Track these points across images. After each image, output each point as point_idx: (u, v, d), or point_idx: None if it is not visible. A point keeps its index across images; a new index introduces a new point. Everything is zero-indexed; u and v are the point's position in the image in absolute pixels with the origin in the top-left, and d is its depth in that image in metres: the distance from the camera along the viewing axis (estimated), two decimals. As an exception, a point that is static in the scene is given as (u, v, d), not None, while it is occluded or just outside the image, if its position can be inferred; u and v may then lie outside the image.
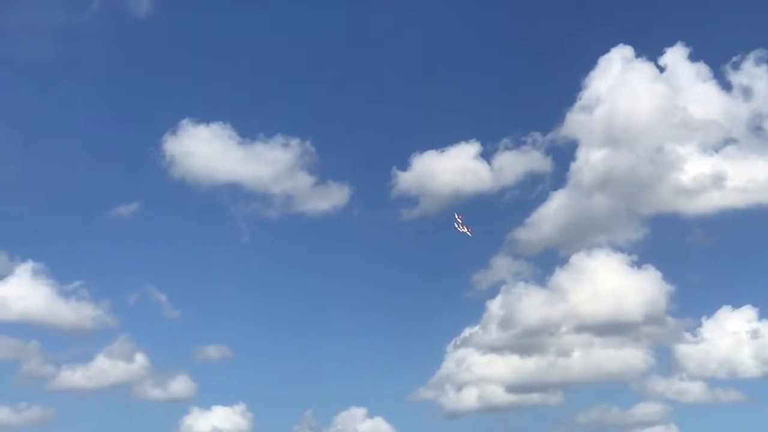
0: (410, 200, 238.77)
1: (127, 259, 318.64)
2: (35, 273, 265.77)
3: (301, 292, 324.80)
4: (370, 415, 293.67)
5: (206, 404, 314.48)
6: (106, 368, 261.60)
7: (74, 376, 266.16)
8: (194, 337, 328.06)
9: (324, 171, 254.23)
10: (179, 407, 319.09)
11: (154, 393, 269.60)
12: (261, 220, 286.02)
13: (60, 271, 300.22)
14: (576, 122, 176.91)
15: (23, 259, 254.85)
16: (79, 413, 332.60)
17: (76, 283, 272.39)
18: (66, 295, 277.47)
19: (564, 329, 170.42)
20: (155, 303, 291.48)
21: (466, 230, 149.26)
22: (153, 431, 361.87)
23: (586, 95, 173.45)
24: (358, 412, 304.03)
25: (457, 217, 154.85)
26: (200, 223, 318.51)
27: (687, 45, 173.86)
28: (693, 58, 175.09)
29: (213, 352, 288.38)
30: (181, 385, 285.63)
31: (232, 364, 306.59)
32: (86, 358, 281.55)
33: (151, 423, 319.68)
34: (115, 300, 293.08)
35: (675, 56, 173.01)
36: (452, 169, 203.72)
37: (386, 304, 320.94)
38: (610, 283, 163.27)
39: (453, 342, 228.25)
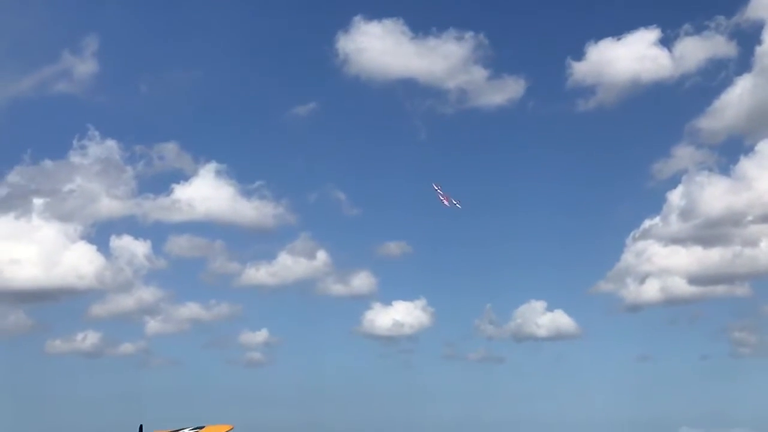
0: (586, 91, 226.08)
1: (306, 159, 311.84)
2: (218, 174, 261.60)
3: (477, 187, 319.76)
4: (550, 308, 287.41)
5: (387, 299, 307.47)
6: (288, 265, 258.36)
7: (258, 273, 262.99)
8: (374, 233, 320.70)
9: (498, 64, 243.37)
10: (361, 302, 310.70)
11: (336, 289, 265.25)
12: (436, 116, 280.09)
13: (242, 172, 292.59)
14: (762, 3, 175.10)
15: (207, 161, 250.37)
16: (264, 309, 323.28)
17: (258, 183, 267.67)
18: (248, 194, 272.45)
19: (750, 218, 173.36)
20: (335, 201, 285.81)
21: (447, 202, 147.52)
22: (335, 326, 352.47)
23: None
24: (538, 305, 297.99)
25: (435, 187, 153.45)
26: (376, 120, 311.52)
27: None
28: None
29: (393, 248, 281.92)
30: (362, 281, 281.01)
31: (412, 259, 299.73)
32: (269, 256, 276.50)
33: (333, 318, 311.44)
34: (295, 199, 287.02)
35: None
36: (630, 56, 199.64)
37: (563, 197, 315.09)
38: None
39: (632, 234, 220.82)
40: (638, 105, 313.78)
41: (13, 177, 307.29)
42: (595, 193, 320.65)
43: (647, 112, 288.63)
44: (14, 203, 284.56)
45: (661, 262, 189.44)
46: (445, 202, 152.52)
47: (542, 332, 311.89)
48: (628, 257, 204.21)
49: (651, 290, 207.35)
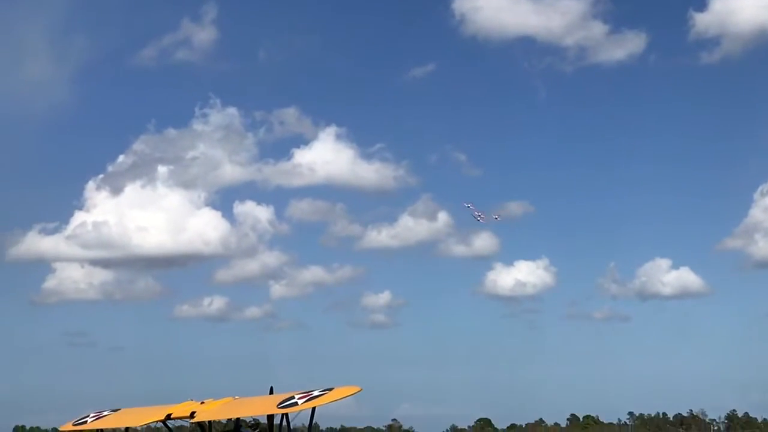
0: (710, 42, 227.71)
1: (426, 120, 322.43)
2: (338, 137, 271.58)
3: (600, 144, 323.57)
4: (675, 266, 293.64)
5: (509, 260, 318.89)
6: (410, 227, 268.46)
7: (380, 236, 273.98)
8: (496, 193, 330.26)
9: (618, 18, 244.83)
10: (483, 263, 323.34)
11: (458, 250, 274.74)
12: (555, 74, 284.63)
13: (362, 135, 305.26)
14: None
15: (327, 124, 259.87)
16: (387, 271, 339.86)
17: (378, 146, 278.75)
18: (368, 157, 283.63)
19: None
20: (455, 162, 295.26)
21: (484, 219, 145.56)
22: (458, 286, 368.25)
23: None
24: (663, 263, 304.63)
25: (468, 206, 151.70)
26: (495, 80, 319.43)
27: None
28: None
29: (515, 207, 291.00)
30: (483, 242, 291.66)
31: (534, 219, 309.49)
32: (390, 218, 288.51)
33: (456, 278, 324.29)
34: (415, 160, 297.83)
35: None
36: (756, 4, 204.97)
37: (688, 153, 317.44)
38: None
39: (760, 189, 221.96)
40: (766, 55, 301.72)
41: (138, 146, 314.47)
42: (720, 148, 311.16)
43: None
44: (140, 172, 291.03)
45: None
46: (482, 219, 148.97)
47: (668, 290, 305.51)
48: (756, 213, 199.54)
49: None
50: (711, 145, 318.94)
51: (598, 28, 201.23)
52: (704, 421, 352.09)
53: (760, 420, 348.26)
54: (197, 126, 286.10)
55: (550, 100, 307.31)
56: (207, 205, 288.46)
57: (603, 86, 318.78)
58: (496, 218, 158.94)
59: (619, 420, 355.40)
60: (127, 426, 26.24)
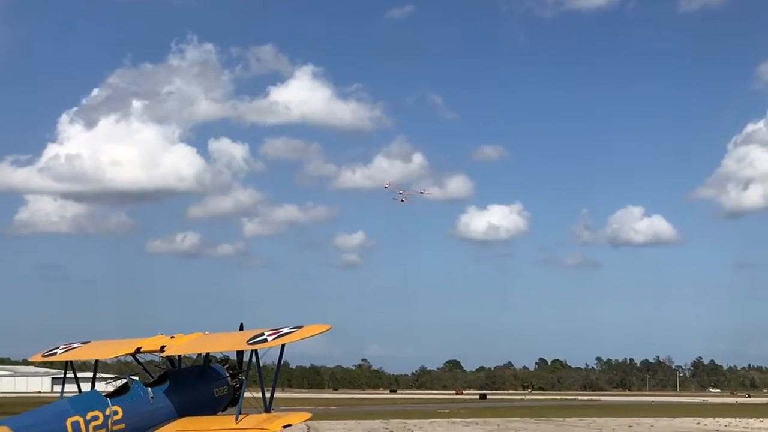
0: None
1: (403, 62, 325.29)
2: (315, 76, 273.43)
3: (576, 91, 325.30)
4: (648, 213, 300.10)
5: (483, 203, 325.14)
6: (385, 168, 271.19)
7: (354, 176, 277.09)
8: (471, 137, 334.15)
9: None
10: (456, 206, 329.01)
11: (432, 192, 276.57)
12: (535, 18, 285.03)
13: (339, 74, 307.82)
14: None
15: (304, 63, 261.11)
16: (360, 212, 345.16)
17: (355, 86, 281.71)
18: (345, 96, 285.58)
19: None
20: (431, 104, 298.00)
21: (406, 198, 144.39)
22: (432, 228, 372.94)
23: None
24: (635, 210, 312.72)
25: (387, 187, 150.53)
26: (473, 23, 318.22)
27: None
28: None
29: (490, 152, 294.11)
30: (458, 185, 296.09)
31: (509, 164, 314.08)
32: (365, 159, 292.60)
33: (429, 221, 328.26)
34: (392, 102, 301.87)
35: None
36: None
37: (662, 100, 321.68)
38: None
39: (734, 139, 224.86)
40: (744, 3, 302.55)
41: (114, 79, 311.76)
42: (695, 97, 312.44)
43: (754, 10, 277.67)
44: (114, 105, 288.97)
45: (765, 168, 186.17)
46: (405, 200, 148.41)
47: (639, 238, 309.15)
48: (729, 163, 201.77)
49: (753, 196, 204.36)
50: (686, 95, 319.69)
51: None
52: (670, 367, 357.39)
53: (725, 368, 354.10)
54: (173, 61, 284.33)
55: (530, 46, 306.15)
56: (182, 141, 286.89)
57: (582, 32, 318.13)
58: (422, 193, 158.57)
59: (587, 365, 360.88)
60: (97, 358, 26.31)
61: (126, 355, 24.55)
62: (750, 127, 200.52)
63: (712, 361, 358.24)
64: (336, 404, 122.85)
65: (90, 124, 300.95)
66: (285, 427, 22.54)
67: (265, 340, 22.09)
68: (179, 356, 25.07)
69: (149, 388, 23.52)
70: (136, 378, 24.32)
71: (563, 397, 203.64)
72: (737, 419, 79.89)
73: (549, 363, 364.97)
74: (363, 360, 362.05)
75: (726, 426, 67.64)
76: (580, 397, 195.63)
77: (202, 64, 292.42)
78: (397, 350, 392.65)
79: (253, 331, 22.90)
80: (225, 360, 26.16)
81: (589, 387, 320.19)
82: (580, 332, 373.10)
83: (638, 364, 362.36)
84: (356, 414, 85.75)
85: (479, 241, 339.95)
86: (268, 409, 23.28)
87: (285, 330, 22.35)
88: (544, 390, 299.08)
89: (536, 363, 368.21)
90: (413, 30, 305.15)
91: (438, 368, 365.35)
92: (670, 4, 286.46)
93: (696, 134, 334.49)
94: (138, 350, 24.17)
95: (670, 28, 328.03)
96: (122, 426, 22.44)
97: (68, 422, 21.47)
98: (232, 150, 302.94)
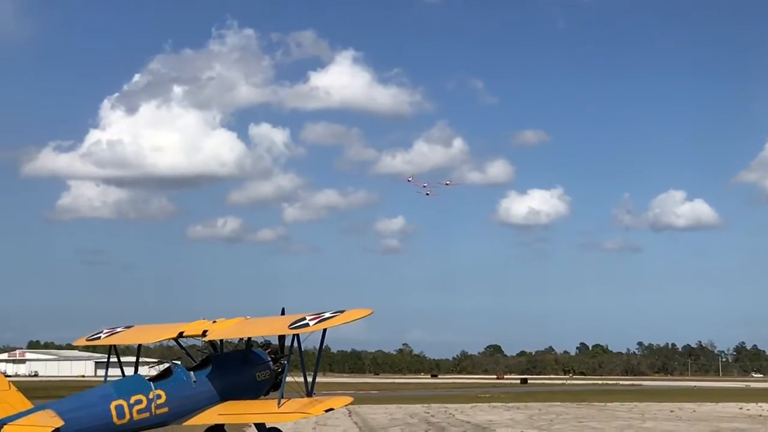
0: None
1: (444, 46, 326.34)
2: (355, 60, 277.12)
3: (617, 79, 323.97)
4: (690, 197, 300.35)
5: (523, 188, 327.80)
6: (425, 153, 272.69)
7: (395, 161, 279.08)
8: (511, 122, 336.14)
9: None
10: (496, 191, 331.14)
11: (473, 177, 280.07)
12: (575, 3, 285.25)
13: (379, 59, 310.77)
14: None
15: (344, 47, 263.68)
16: (400, 197, 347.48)
17: (395, 70, 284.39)
18: (385, 81, 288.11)
19: None
20: (472, 89, 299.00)
21: (430, 191, 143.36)
22: (471, 212, 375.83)
23: None
24: (677, 194, 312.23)
25: (410, 181, 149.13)
26: (514, 7, 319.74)
27: None
28: None
29: (531, 136, 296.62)
30: (498, 169, 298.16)
31: (550, 148, 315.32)
32: (405, 144, 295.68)
33: (469, 206, 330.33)
34: (432, 86, 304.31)
35: None
36: None
37: (706, 85, 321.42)
38: None
39: None
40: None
41: (155, 65, 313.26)
42: (737, 82, 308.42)
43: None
44: (155, 91, 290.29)
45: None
46: (429, 193, 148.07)
47: (681, 222, 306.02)
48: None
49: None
50: (729, 82, 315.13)
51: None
52: (713, 352, 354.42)
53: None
54: (214, 47, 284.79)
55: (569, 30, 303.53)
56: (222, 126, 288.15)
57: (623, 18, 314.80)
58: (447, 184, 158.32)
59: (628, 350, 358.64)
60: (140, 343, 26.47)
61: (168, 339, 24.66)
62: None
63: (755, 346, 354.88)
64: (377, 389, 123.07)
65: (131, 109, 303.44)
66: (327, 411, 22.58)
67: (307, 325, 22.10)
68: (221, 341, 25.16)
69: (192, 372, 23.64)
70: (179, 362, 24.41)
71: (604, 381, 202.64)
72: (781, 404, 79.02)
73: (590, 348, 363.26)
74: (404, 345, 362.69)
75: (770, 411, 66.90)
76: (621, 382, 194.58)
77: (242, 50, 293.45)
78: (438, 335, 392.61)
79: (295, 316, 22.91)
80: (267, 344, 26.17)
81: (630, 372, 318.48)
82: (621, 317, 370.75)
83: (680, 349, 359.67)
84: (397, 398, 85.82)
85: (520, 225, 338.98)
86: (309, 394, 23.31)
87: (327, 315, 22.35)
88: (585, 375, 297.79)
89: (577, 348, 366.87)
90: (453, 14, 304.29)
91: (479, 353, 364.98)
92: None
93: (739, 119, 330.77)
94: (180, 335, 24.27)
95: (713, 15, 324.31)
96: (165, 410, 22.59)
97: (112, 406, 21.64)
98: (272, 135, 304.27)
